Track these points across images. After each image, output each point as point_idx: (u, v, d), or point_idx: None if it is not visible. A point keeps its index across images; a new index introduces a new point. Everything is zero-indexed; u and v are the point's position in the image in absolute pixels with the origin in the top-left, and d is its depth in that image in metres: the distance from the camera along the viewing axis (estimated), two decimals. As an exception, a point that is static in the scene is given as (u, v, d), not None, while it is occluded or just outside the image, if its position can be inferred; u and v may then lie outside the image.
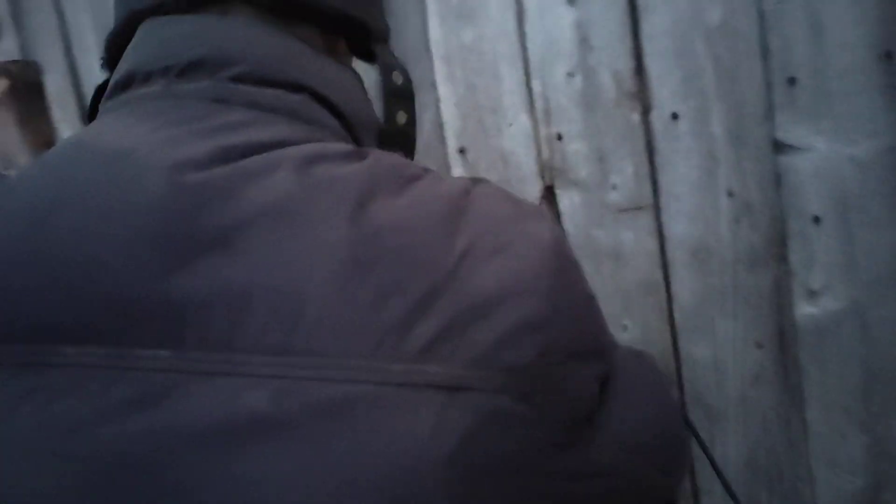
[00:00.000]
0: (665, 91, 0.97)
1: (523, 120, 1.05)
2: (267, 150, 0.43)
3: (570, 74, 1.01)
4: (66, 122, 1.58)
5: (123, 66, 0.50)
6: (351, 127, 0.53)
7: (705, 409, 1.02)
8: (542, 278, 0.43)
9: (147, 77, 0.48)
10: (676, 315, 1.02)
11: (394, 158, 0.47)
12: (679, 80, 0.96)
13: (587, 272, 1.05)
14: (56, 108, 1.61)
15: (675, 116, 0.97)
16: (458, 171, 1.11)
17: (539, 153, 1.05)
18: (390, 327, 0.38)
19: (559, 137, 1.04)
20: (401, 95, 0.59)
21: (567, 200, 1.05)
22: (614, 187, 1.02)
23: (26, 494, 0.38)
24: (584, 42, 1.00)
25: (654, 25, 0.96)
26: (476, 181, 0.50)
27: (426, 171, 0.48)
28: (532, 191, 1.06)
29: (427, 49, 1.10)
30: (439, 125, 1.11)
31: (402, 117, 0.59)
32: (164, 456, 0.37)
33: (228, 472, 0.37)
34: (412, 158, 0.60)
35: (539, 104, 1.04)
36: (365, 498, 0.37)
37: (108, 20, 1.46)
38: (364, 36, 0.58)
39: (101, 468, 0.38)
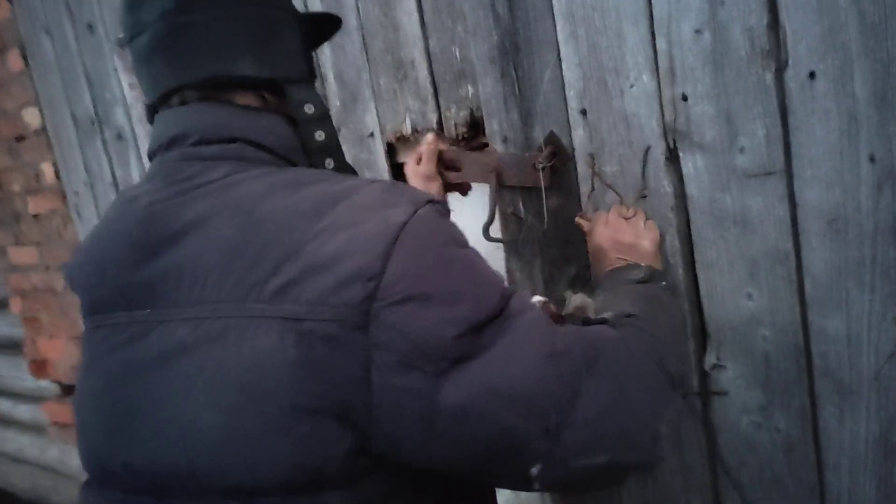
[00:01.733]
0: (802, 48, 0.90)
1: (646, 80, 1.02)
2: (213, 182, 0.71)
3: (699, 31, 0.96)
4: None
5: (149, 143, 0.81)
6: (282, 155, 0.77)
7: (836, 385, 0.98)
8: (378, 244, 0.62)
9: (154, 151, 0.79)
10: (807, 286, 0.97)
11: (302, 171, 0.73)
12: (818, 36, 0.88)
13: (709, 237, 1.02)
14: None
15: (812, 75, 0.90)
16: (579, 132, 1.10)
17: (662, 115, 1.02)
18: (254, 282, 0.63)
19: (684, 98, 0.99)
20: (314, 120, 0.79)
21: (690, 164, 1.01)
22: (742, 151, 0.97)
23: (85, 393, 0.74)
24: (714, -5, 0.94)
25: (793, -25, 0.88)
26: (391, 184, 0.70)
27: (339, 179, 0.70)
28: (654, 153, 1.03)
29: (549, 8, 1.08)
30: (560, 86, 1.10)
31: (319, 136, 0.80)
32: (136, 373, 0.68)
33: (166, 378, 0.66)
34: (341, 163, 0.83)
35: (663, 63, 1.00)
36: (233, 385, 0.62)
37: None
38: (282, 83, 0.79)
39: (108, 381, 0.70)
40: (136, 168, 2.05)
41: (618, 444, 0.67)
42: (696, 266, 1.05)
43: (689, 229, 1.04)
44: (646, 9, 0.99)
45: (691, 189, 1.02)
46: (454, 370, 0.62)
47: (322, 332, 0.61)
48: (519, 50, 1.12)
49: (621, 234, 1.02)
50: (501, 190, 1.17)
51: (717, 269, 1.03)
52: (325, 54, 1.48)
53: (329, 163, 0.82)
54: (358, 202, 0.67)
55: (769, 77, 0.92)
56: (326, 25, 0.97)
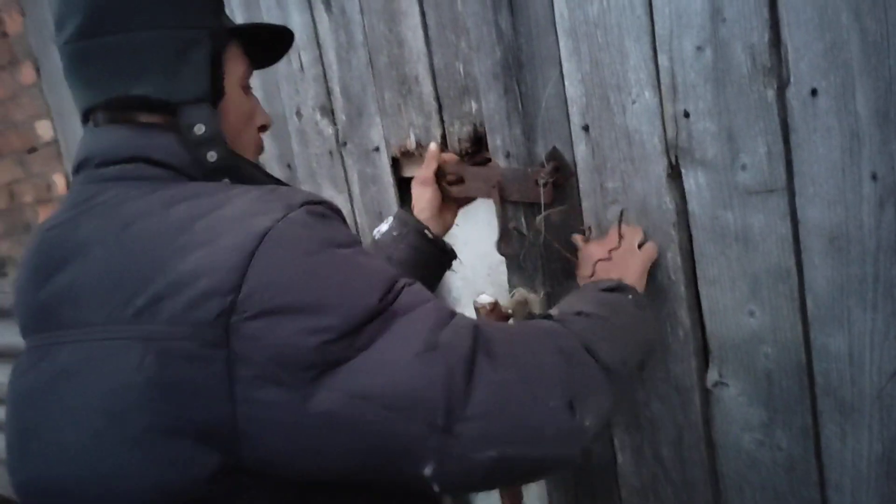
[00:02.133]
0: (804, 65, 0.90)
1: (648, 96, 1.02)
2: (102, 205, 0.73)
3: (700, 48, 0.96)
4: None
5: None
6: (183, 172, 0.78)
7: (838, 403, 0.97)
8: (235, 256, 0.62)
9: (73, 174, 0.82)
10: (809, 304, 0.96)
11: (186, 187, 0.73)
12: (820, 54, 0.88)
13: (711, 254, 1.02)
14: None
15: (814, 93, 0.90)
16: (581, 148, 1.10)
17: (664, 131, 1.02)
18: (118, 303, 0.65)
19: (686, 115, 1.00)
20: (205, 141, 0.79)
21: (692, 180, 1.01)
22: (744, 168, 0.97)
23: (6, 422, 0.74)
24: (716, 13, 0.94)
25: (794, -6, 0.89)
26: (270, 190, 0.70)
27: (220, 191, 0.70)
28: (656, 170, 1.03)
29: (552, 24, 1.08)
30: (563, 102, 1.10)
31: (211, 156, 0.80)
32: (34, 396, 0.70)
33: (53, 400, 0.68)
34: (237, 180, 0.81)
35: (665, 80, 1.00)
36: (98, 408, 0.64)
37: (257, 0, 1.56)
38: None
39: (16, 404, 0.73)
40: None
41: (519, 436, 0.65)
42: (699, 283, 1.05)
43: (692, 246, 1.04)
44: (647, 26, 1.00)
45: (693, 206, 1.02)
46: (324, 377, 0.61)
47: (181, 351, 0.61)
48: (522, 66, 1.13)
49: (610, 250, 1.02)
50: (504, 204, 1.18)
51: (719, 285, 1.03)
52: (332, 69, 1.49)
53: (225, 181, 0.82)
54: (224, 214, 0.67)
55: (771, 94, 0.92)
56: (276, 38, 0.97)
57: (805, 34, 0.89)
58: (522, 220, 1.19)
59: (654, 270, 1.07)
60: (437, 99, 1.32)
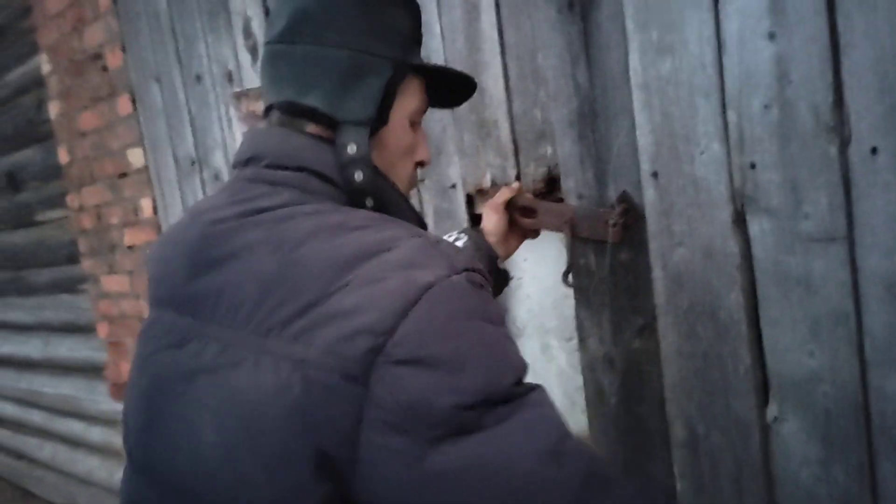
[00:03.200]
0: (864, 125, 0.97)
1: (716, 148, 1.10)
2: (269, 211, 0.77)
3: (767, 106, 1.05)
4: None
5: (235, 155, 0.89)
6: (344, 189, 0.83)
7: (893, 442, 1.02)
8: (396, 301, 0.65)
9: (234, 165, 0.87)
10: (867, 347, 1.02)
11: (352, 214, 0.77)
12: (880, 115, 0.96)
13: (773, 296, 1.08)
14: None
15: (874, 151, 0.97)
16: (650, 193, 1.19)
17: (731, 180, 1.10)
18: (278, 321, 0.68)
19: (752, 166, 1.07)
20: (354, 161, 0.83)
21: (757, 227, 1.09)
22: (807, 217, 1.04)
23: (132, 387, 0.82)
24: (782, 76, 1.03)
25: (856, 61, 0.96)
26: (433, 243, 0.73)
27: (385, 227, 0.74)
28: (722, 216, 1.11)
29: (626, 78, 1.18)
30: (634, 150, 1.19)
31: (358, 176, 0.83)
32: (170, 381, 0.76)
33: (190, 392, 0.73)
34: (384, 203, 0.86)
35: (733, 134, 1.08)
36: (238, 415, 0.68)
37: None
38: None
39: (150, 383, 0.79)
40: (229, 207, 2.21)
41: None
42: (761, 323, 1.12)
43: (754, 288, 1.11)
44: (717, 84, 1.08)
45: (757, 250, 1.10)
46: (449, 440, 0.63)
47: (324, 381, 0.64)
48: (596, 115, 1.23)
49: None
50: (574, 241, 1.26)
51: (781, 326, 1.09)
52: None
53: (369, 201, 0.84)
54: (390, 259, 0.69)
55: (833, 151, 1.00)
56: (459, 83, 1.01)
57: (866, 97, 0.96)
58: (592, 256, 1.27)
59: (717, 310, 1.14)
60: (514, 142, 1.42)
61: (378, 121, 0.86)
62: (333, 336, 0.65)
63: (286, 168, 0.81)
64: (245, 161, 0.85)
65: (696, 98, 1.11)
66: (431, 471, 0.63)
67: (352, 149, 0.83)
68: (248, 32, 1.94)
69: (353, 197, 0.84)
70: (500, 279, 1.26)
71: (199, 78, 2.20)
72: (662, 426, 1.25)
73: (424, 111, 0.94)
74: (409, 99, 0.90)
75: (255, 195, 0.79)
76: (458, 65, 1.47)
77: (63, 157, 2.98)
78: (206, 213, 0.82)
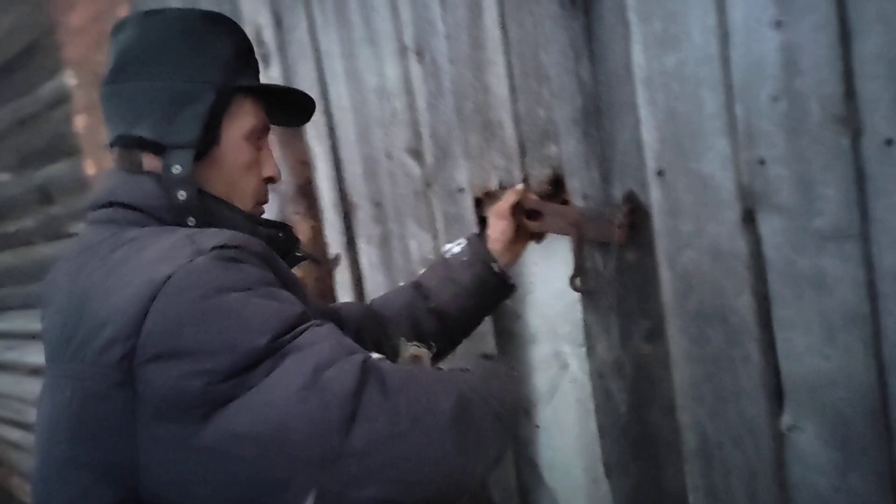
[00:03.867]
0: (877, 116, 0.92)
1: (723, 144, 1.06)
2: (80, 248, 0.86)
3: (775, 98, 1.00)
4: (317, 139, 1.86)
5: None
6: (156, 216, 0.87)
7: (917, 451, 0.96)
8: (135, 304, 0.69)
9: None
10: (885, 350, 0.97)
11: (130, 231, 0.83)
12: (893, 105, 0.90)
13: (786, 297, 1.03)
14: (310, 127, 1.89)
15: (889, 142, 0.92)
16: (656, 191, 1.15)
17: (739, 177, 1.05)
18: (64, 344, 0.75)
19: (761, 162, 1.03)
20: (178, 181, 0.88)
21: (767, 225, 1.04)
22: (819, 214, 0.99)
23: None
24: (790, 65, 0.98)
25: (867, 48, 0.92)
26: (192, 234, 0.78)
27: (156, 234, 0.80)
28: (731, 214, 1.07)
29: (629, 73, 1.14)
30: (639, 147, 1.15)
31: (181, 195, 0.88)
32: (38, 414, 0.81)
33: (38, 415, 0.80)
34: (203, 221, 0.89)
35: (741, 128, 1.04)
36: (44, 433, 0.75)
37: (354, 49, 1.69)
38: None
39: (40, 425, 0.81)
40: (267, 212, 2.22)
41: (403, 477, 0.66)
42: (773, 325, 1.07)
43: (766, 289, 1.06)
44: (723, 77, 1.04)
45: (768, 249, 1.05)
46: (214, 415, 0.67)
47: (94, 391, 0.70)
48: (601, 113, 1.19)
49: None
50: (581, 243, 1.23)
51: (794, 329, 1.04)
52: (422, 114, 1.58)
53: (191, 220, 0.89)
54: (142, 259, 0.75)
55: (845, 143, 0.95)
56: (295, 98, 1.04)
57: (878, 86, 0.91)
58: (599, 258, 1.23)
59: (727, 313, 1.10)
60: (520, 142, 1.39)
61: (206, 142, 0.91)
62: (97, 348, 0.71)
63: (101, 206, 0.89)
64: (90, 206, 0.92)
65: (701, 92, 1.07)
66: (203, 447, 0.67)
67: (176, 170, 0.88)
68: (259, 41, 1.94)
69: (178, 216, 0.89)
70: (500, 285, 1.25)
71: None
72: (674, 434, 1.20)
73: (265, 129, 0.99)
74: (242, 119, 0.95)
75: (84, 238, 0.88)
76: (463, 64, 1.45)
77: (90, 169, 3.03)
78: (61, 260, 0.91)
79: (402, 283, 1.40)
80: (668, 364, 1.18)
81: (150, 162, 0.90)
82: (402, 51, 1.58)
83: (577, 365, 1.44)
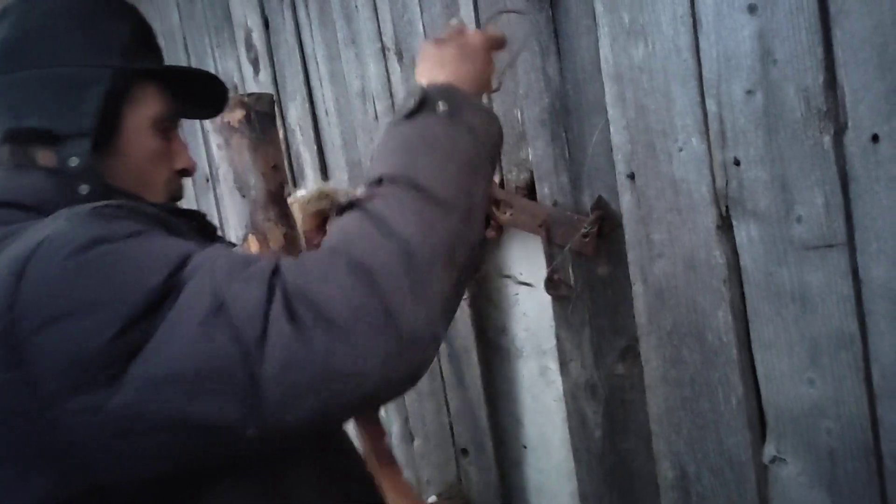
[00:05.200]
0: (863, 108, 0.81)
1: (695, 143, 0.96)
2: None
3: (750, 92, 0.89)
4: (305, 143, 1.80)
5: None
6: (46, 212, 0.72)
7: (915, 491, 0.84)
8: (8, 275, 0.61)
9: None
10: (875, 375, 0.85)
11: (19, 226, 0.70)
12: (881, 95, 0.79)
13: (766, 314, 0.93)
14: (298, 131, 1.84)
15: (875, 139, 0.80)
16: (626, 197, 1.04)
17: (713, 180, 0.95)
18: None
19: (736, 163, 0.92)
20: (77, 174, 0.79)
21: (744, 233, 0.93)
22: (799, 220, 0.88)
23: None
24: (766, 55, 0.87)
25: (850, 32, 0.81)
26: (76, 208, 0.67)
27: (44, 222, 0.68)
28: (705, 222, 0.96)
29: (597, 69, 1.05)
30: (608, 149, 1.06)
31: (83, 189, 0.79)
32: None
33: None
34: (106, 219, 0.73)
35: (714, 126, 0.94)
36: None
37: (337, 51, 1.63)
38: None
39: None
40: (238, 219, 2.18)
41: (336, 381, 0.58)
42: (752, 345, 0.95)
43: (744, 304, 0.95)
44: (695, 69, 0.94)
45: (745, 261, 0.94)
46: (124, 371, 0.59)
47: None
48: (569, 113, 1.10)
49: (440, 47, 0.85)
50: (552, 245, 1.14)
51: (776, 349, 0.93)
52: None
53: None
54: (17, 243, 0.66)
55: (827, 140, 0.84)
56: (208, 87, 0.96)
57: (863, 75, 0.80)
58: (570, 270, 1.14)
59: (704, 331, 0.99)
60: (500, 145, 1.31)
61: (105, 131, 0.82)
62: None
63: None
64: None
65: (671, 87, 0.97)
66: (121, 406, 0.58)
67: (73, 161, 0.79)
68: (249, 44, 1.91)
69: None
70: None
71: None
72: (650, 464, 1.09)
73: (173, 117, 0.90)
74: (144, 106, 0.86)
75: None
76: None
77: None
78: None
79: None
80: (643, 387, 1.08)
81: (45, 157, 0.81)
82: (383, 51, 1.51)
83: (561, 383, 1.34)
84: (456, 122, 0.75)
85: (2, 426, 0.61)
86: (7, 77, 0.82)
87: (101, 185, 0.80)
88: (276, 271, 0.63)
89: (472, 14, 1.27)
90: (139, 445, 0.60)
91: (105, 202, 0.69)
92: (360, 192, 0.69)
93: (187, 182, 2.37)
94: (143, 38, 0.89)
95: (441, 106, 0.75)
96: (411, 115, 0.75)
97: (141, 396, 0.58)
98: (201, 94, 0.96)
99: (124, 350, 0.59)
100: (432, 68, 0.82)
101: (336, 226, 0.69)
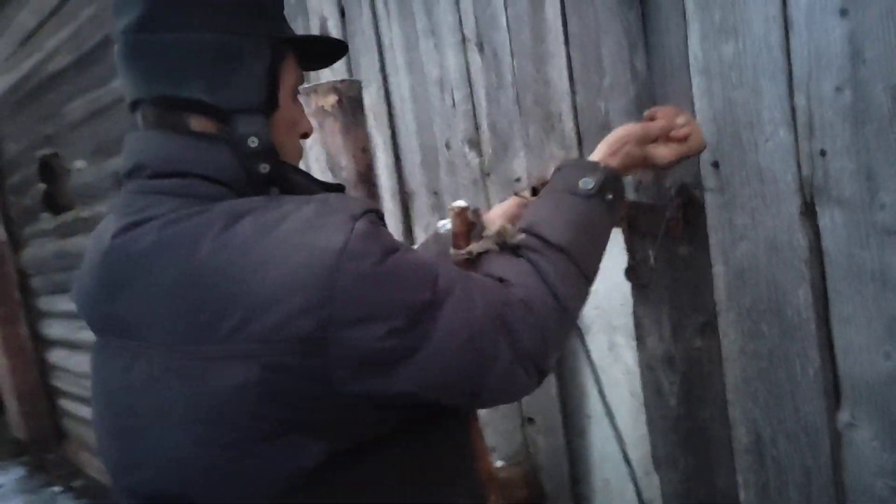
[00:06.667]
0: (948, 106, 0.89)
1: (782, 135, 1.03)
2: (155, 220, 0.75)
3: (839, 88, 0.97)
4: (378, 128, 1.88)
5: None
6: (234, 188, 0.78)
7: (982, 455, 0.93)
8: (316, 274, 0.68)
9: (122, 178, 0.83)
10: (950, 349, 0.93)
11: (237, 202, 0.75)
12: (966, 95, 0.87)
13: (846, 293, 1.01)
14: (371, 117, 1.92)
15: (959, 133, 0.88)
16: (710, 184, 1.12)
17: (799, 169, 1.03)
18: (204, 326, 0.70)
19: (822, 153, 1.00)
20: (258, 153, 0.80)
21: (827, 218, 1.01)
22: (883, 207, 0.96)
23: (99, 413, 0.84)
24: (856, 55, 0.95)
25: (939, 35, 0.88)
26: (323, 202, 0.75)
27: (274, 204, 0.74)
28: (789, 207, 1.04)
29: (685, 64, 1.13)
30: (695, 139, 1.13)
31: (264, 168, 0.81)
32: (130, 401, 0.77)
33: (150, 408, 0.75)
34: (286, 189, 0.82)
35: (802, 119, 1.01)
36: (201, 420, 0.71)
37: (416, 42, 1.71)
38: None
39: (114, 405, 0.80)
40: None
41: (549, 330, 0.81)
42: (831, 321, 1.04)
43: (825, 284, 1.03)
44: (784, 66, 1.02)
45: (828, 244, 1.02)
46: (402, 365, 0.72)
47: (282, 364, 0.69)
48: (655, 104, 1.17)
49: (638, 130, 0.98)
50: (633, 235, 1.22)
51: (854, 325, 1.01)
52: (482, 105, 1.59)
53: (274, 190, 0.82)
54: (287, 231, 0.71)
55: (912, 134, 0.92)
56: (328, 47, 0.95)
57: (950, 75, 0.88)
58: (650, 252, 1.22)
59: (783, 308, 1.07)
60: (578, 134, 1.38)
61: (270, 105, 0.81)
62: (270, 324, 0.68)
63: (170, 176, 0.78)
64: (128, 172, 0.81)
65: (761, 82, 1.05)
66: (395, 392, 0.73)
67: (253, 141, 0.79)
68: (324, 31, 1.98)
69: (257, 190, 0.81)
70: None
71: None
72: (725, 430, 1.18)
73: (302, 82, 0.91)
74: (289, 74, 0.85)
75: (143, 206, 0.77)
76: (524, 56, 1.45)
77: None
78: (104, 233, 0.80)
79: None
80: (720, 359, 1.17)
81: (201, 124, 0.79)
82: (463, 43, 1.59)
83: (630, 357, 1.43)
84: (612, 213, 0.92)
85: (294, 403, 0.71)
86: (159, 37, 0.77)
87: (278, 162, 0.82)
88: (508, 303, 0.79)
89: (559, 8, 1.34)
90: (394, 414, 0.77)
91: (366, 208, 0.75)
92: (520, 237, 0.86)
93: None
94: (280, 2, 0.88)
95: (609, 195, 0.90)
96: (586, 196, 0.89)
97: (420, 387, 0.74)
98: (322, 51, 0.95)
99: (406, 349, 0.72)
100: (609, 149, 0.96)
101: (509, 270, 0.84)
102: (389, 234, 0.77)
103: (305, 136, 0.94)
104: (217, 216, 0.73)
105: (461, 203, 0.94)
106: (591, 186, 0.89)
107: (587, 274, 0.88)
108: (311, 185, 0.87)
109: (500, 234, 0.87)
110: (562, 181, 0.92)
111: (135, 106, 0.81)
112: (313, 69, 1.00)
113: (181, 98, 0.78)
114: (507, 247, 0.85)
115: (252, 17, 0.80)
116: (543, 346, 0.81)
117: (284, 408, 0.70)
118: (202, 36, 0.77)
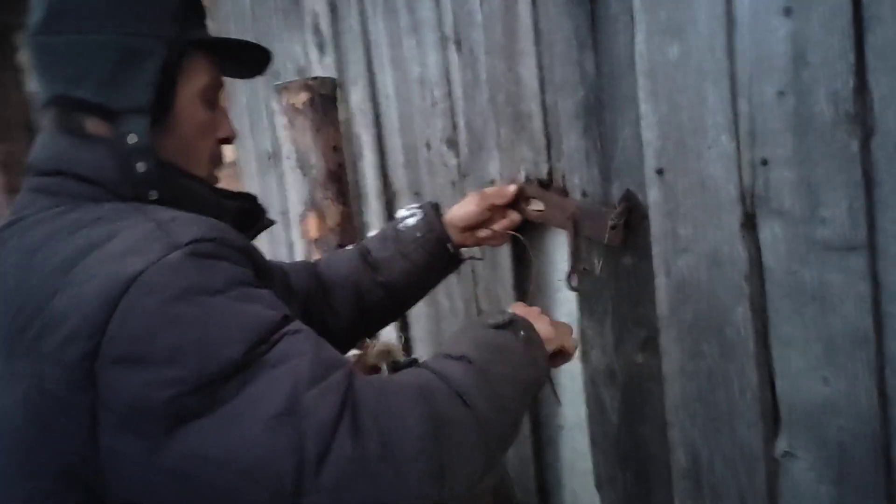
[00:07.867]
0: (891, 114, 0.82)
1: (725, 142, 0.97)
2: (22, 221, 0.76)
3: (781, 93, 0.91)
4: (364, 127, 1.87)
5: None
6: (110, 189, 0.78)
7: (922, 493, 0.85)
8: (100, 300, 0.63)
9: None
10: (888, 377, 0.86)
11: (89, 211, 0.74)
12: (908, 102, 0.80)
13: (785, 312, 0.94)
14: (359, 115, 1.90)
15: (901, 145, 0.81)
16: (654, 192, 1.07)
17: (740, 178, 0.97)
18: (16, 336, 0.67)
19: (764, 162, 0.94)
20: (136, 151, 0.79)
21: (768, 231, 0.95)
22: (823, 222, 0.89)
23: None
24: (799, 57, 0.89)
25: (883, 38, 0.81)
26: (163, 223, 0.70)
27: (118, 217, 0.71)
28: (731, 219, 0.98)
29: (632, 65, 1.07)
30: (639, 143, 1.08)
31: (140, 167, 0.79)
32: None
33: None
34: (166, 194, 0.80)
35: (744, 125, 0.95)
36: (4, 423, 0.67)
37: (399, 39, 1.68)
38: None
39: None
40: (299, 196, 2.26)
41: None
42: (770, 342, 0.97)
43: (765, 301, 0.97)
44: (727, 68, 0.96)
45: (768, 258, 0.96)
46: (178, 430, 0.61)
47: (55, 392, 0.63)
48: (603, 106, 1.12)
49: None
50: (578, 239, 1.17)
51: (792, 346, 0.95)
52: (459, 104, 1.55)
53: (153, 194, 0.80)
54: (109, 250, 0.67)
55: (854, 144, 0.85)
56: (256, 52, 0.94)
57: (892, 81, 0.81)
58: (595, 261, 1.17)
59: (723, 326, 1.01)
60: (547, 135, 1.33)
61: (160, 106, 0.81)
62: (55, 344, 0.64)
63: (47, 174, 0.79)
64: (26, 170, 0.82)
65: (704, 85, 0.99)
66: (165, 465, 0.61)
67: (132, 139, 0.79)
68: (316, 28, 1.97)
69: (137, 190, 0.80)
70: (451, 262, 1.23)
71: (277, 75, 2.27)
72: (664, 452, 1.12)
73: (219, 86, 0.89)
74: (195, 76, 0.85)
75: (23, 204, 0.78)
76: (497, 55, 1.40)
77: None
78: None
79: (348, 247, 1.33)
80: (660, 377, 1.11)
81: (94, 126, 0.80)
82: (443, 40, 1.55)
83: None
84: (530, 349, 0.88)
85: (55, 440, 0.64)
86: (58, 39, 0.79)
87: (157, 162, 0.81)
88: (351, 386, 0.66)
89: (529, 6, 1.29)
90: (164, 494, 0.63)
91: (206, 235, 0.70)
92: (429, 360, 0.79)
93: (251, 160, 2.48)
94: (194, 4, 0.87)
95: (522, 333, 0.88)
96: (499, 327, 0.87)
97: (186, 464, 0.61)
98: (245, 58, 0.94)
99: (182, 412, 0.62)
100: (527, 315, 0.94)
101: (408, 375, 0.75)
102: (222, 272, 0.69)
103: (226, 141, 0.92)
104: (68, 224, 0.72)
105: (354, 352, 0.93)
106: (500, 320, 0.88)
107: (506, 403, 0.79)
108: (205, 193, 0.85)
109: (384, 353, 0.85)
110: (469, 324, 0.93)
111: (45, 108, 0.83)
112: (246, 77, 1.00)
113: (76, 99, 0.80)
114: (399, 366, 0.82)
115: (146, 20, 0.81)
116: (440, 449, 0.67)
117: (46, 443, 0.65)
118: (97, 38, 0.79)
